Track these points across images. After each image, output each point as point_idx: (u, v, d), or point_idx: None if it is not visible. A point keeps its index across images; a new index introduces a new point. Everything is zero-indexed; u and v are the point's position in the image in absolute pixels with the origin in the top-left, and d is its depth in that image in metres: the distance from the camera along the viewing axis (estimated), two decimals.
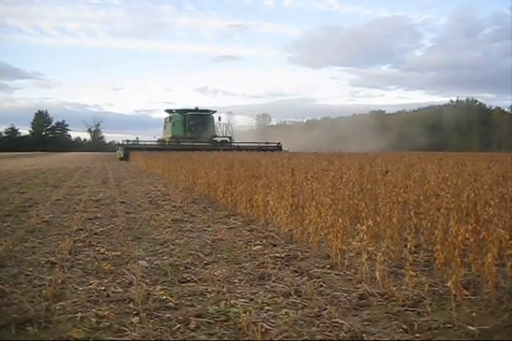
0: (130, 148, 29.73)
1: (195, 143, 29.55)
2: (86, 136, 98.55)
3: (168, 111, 37.41)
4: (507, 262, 3.12)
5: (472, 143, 55.41)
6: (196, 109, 36.35)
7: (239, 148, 28.30)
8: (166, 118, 38.30)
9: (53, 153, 58.41)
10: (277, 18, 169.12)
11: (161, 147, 30.64)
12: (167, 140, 34.71)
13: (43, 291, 3.32)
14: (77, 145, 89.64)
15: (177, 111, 36.82)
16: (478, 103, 71.18)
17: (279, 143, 32.58)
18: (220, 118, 36.76)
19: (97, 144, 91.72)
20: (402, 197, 4.82)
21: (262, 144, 32.04)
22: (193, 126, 35.42)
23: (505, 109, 69.51)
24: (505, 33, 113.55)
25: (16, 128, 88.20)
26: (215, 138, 35.45)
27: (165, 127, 38.21)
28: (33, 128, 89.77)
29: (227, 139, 35.10)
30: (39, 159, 34.46)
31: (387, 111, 77.78)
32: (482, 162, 8.90)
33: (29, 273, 3.86)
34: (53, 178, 14.27)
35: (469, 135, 59.00)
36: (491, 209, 3.90)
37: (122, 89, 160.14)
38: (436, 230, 3.60)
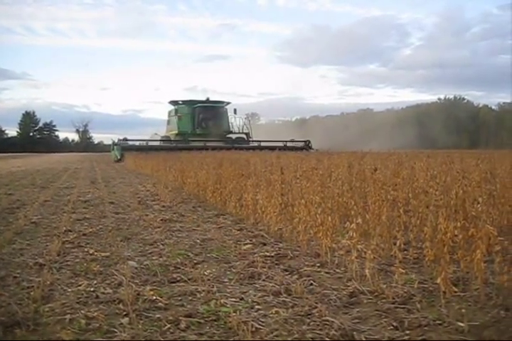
0: (128, 149, 24.90)
1: (207, 143, 25.00)
2: (74, 136, 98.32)
3: (174, 102, 31.37)
4: (495, 258, 3.13)
5: (460, 140, 55.77)
6: (207, 100, 30.80)
7: (260, 147, 23.72)
8: (169, 112, 32.15)
9: (41, 153, 58.08)
10: (269, 18, 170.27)
11: (166, 147, 25.11)
12: (172, 137, 29.27)
13: (31, 293, 3.30)
14: (65, 146, 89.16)
15: (184, 102, 30.84)
16: (465, 101, 71.69)
17: (307, 141, 28.00)
18: (235, 111, 30.34)
19: (85, 145, 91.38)
20: (391, 195, 4.84)
21: (287, 142, 27.29)
22: (203, 120, 29.82)
23: (493, 107, 70.13)
24: (493, 31, 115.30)
25: (3, 129, 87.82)
26: (229, 135, 29.99)
27: (169, 122, 32.10)
28: (20, 129, 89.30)
29: (244, 136, 29.84)
30: (27, 160, 34.23)
31: (375, 109, 78.11)
32: (470, 159, 8.94)
33: (17, 275, 3.82)
34: (41, 179, 14.17)
35: (458, 133, 59.37)
36: (479, 206, 3.91)
37: (110, 89, 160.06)
38: (425, 227, 3.62)
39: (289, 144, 27.29)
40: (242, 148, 22.68)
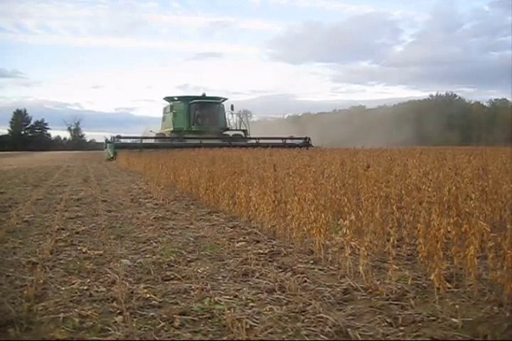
0: (122, 146, 23.57)
1: (204, 140, 23.90)
2: (66, 134, 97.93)
3: (169, 98, 30.02)
4: (488, 254, 3.14)
5: (452, 137, 55.93)
6: (203, 96, 29.39)
7: (258, 145, 22.38)
8: (165, 108, 30.86)
9: (33, 152, 57.77)
10: (262, 15, 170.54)
11: (161, 144, 23.96)
12: (168, 135, 27.80)
13: (25, 292, 3.28)
14: (57, 144, 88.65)
15: (179, 98, 29.55)
16: (457, 98, 71.92)
17: (306, 138, 26.62)
18: (232, 107, 29.33)
19: (78, 143, 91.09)
20: (384, 192, 4.85)
21: (286, 139, 25.88)
22: (199, 116, 28.56)
23: (484, 103, 70.42)
24: (484, 28, 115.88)
25: None
26: (226, 132, 28.81)
27: (164, 119, 30.71)
28: (11, 127, 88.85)
29: (242, 133, 28.81)
30: (19, 159, 34.06)
31: (367, 106, 78.22)
32: (462, 156, 8.98)
33: (10, 273, 3.81)
34: (33, 178, 14.11)
35: (450, 129, 59.54)
36: (472, 202, 3.93)
37: (103, 87, 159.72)
38: (418, 224, 3.62)
39: (288, 141, 25.95)
40: (240, 145, 22.01)
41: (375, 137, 43.58)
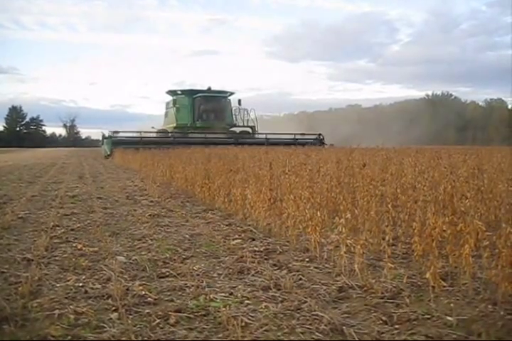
0: (120, 143, 22.16)
1: (209, 135, 22.82)
2: (61, 131, 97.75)
3: (172, 92, 28.15)
4: (483, 253, 3.15)
5: (449, 136, 56.05)
6: (209, 90, 27.59)
7: (268, 142, 21.37)
8: (167, 103, 29.12)
9: (28, 148, 57.62)
10: (260, 13, 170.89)
11: (164, 141, 22.27)
12: (170, 131, 26.31)
13: (20, 288, 3.27)
14: (53, 141, 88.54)
15: (183, 92, 27.78)
16: (453, 97, 72.11)
17: (319, 135, 25.35)
18: (240, 102, 27.69)
19: (73, 140, 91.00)
20: (380, 190, 4.86)
21: (297, 136, 24.47)
22: (204, 112, 26.91)
23: (480, 103, 70.65)
24: (481, 28, 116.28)
25: None
26: (232, 128, 27.37)
27: (166, 114, 29.13)
28: (6, 123, 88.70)
29: (249, 129, 26.97)
30: (13, 155, 33.96)
31: (364, 105, 78.33)
32: (458, 155, 9.00)
33: (5, 270, 3.79)
34: (28, 174, 14.07)
35: (445, 129, 59.64)
36: (467, 201, 3.94)
37: (99, 83, 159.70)
38: (413, 222, 3.63)
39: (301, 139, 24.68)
40: (248, 142, 20.80)
41: (375, 136, 43.51)
